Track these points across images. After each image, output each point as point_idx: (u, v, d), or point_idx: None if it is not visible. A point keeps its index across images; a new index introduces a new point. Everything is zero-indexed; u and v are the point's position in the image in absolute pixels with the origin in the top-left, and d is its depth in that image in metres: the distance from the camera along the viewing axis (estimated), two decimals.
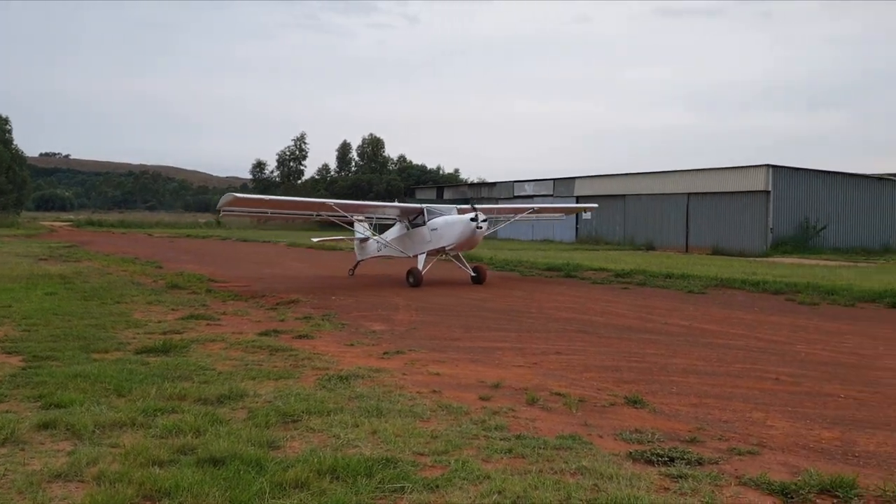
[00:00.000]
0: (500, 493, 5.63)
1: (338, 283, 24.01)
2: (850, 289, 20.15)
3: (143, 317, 15.08)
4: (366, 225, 26.98)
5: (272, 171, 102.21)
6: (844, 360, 11.48)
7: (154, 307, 16.78)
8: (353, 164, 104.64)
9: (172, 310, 16.36)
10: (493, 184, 67.23)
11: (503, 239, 53.75)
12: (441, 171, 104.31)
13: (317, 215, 25.51)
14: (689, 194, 44.42)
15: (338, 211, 24.15)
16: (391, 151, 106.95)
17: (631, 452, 6.66)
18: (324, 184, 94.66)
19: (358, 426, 7.30)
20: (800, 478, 6.00)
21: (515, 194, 60.49)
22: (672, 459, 6.45)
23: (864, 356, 11.78)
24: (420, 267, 23.08)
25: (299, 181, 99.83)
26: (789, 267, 30.32)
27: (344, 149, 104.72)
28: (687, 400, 8.79)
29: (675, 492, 5.76)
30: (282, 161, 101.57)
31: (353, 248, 28.50)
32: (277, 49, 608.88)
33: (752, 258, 37.49)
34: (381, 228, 28.14)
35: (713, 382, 9.76)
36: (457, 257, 24.57)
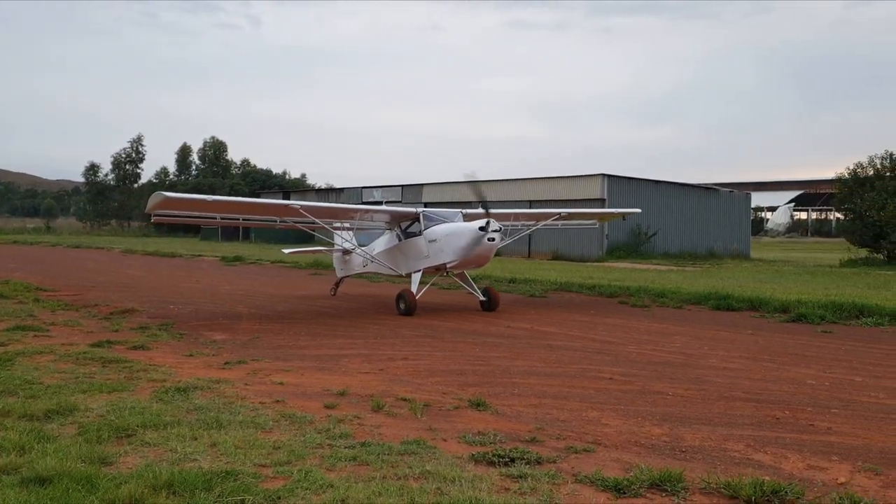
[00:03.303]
0: (343, 501, 5.61)
1: (177, 291, 23.17)
2: (678, 291, 21.31)
3: None
4: (348, 234, 22.12)
5: (107, 175, 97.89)
6: (672, 359, 12.11)
7: None
8: (195, 167, 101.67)
9: None
10: (342, 189, 66.77)
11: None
12: (287, 176, 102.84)
13: (280, 221, 20.94)
14: (530, 201, 45.60)
15: (307, 216, 19.20)
16: (234, 155, 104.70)
17: (474, 455, 6.78)
18: (162, 188, 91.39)
19: (196, 439, 7.08)
20: (632, 474, 6.28)
21: (364, 200, 60.34)
22: (513, 460, 6.62)
23: (691, 355, 12.46)
24: (413, 289, 18.34)
25: (136, 185, 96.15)
26: (623, 271, 31.70)
27: (184, 152, 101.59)
28: (528, 401, 9.04)
29: (515, 492, 5.91)
30: (117, 164, 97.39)
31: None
32: (115, 47, 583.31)
33: (589, 263, 39.06)
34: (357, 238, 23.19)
35: (552, 383, 10.09)
36: (462, 276, 20.19)
